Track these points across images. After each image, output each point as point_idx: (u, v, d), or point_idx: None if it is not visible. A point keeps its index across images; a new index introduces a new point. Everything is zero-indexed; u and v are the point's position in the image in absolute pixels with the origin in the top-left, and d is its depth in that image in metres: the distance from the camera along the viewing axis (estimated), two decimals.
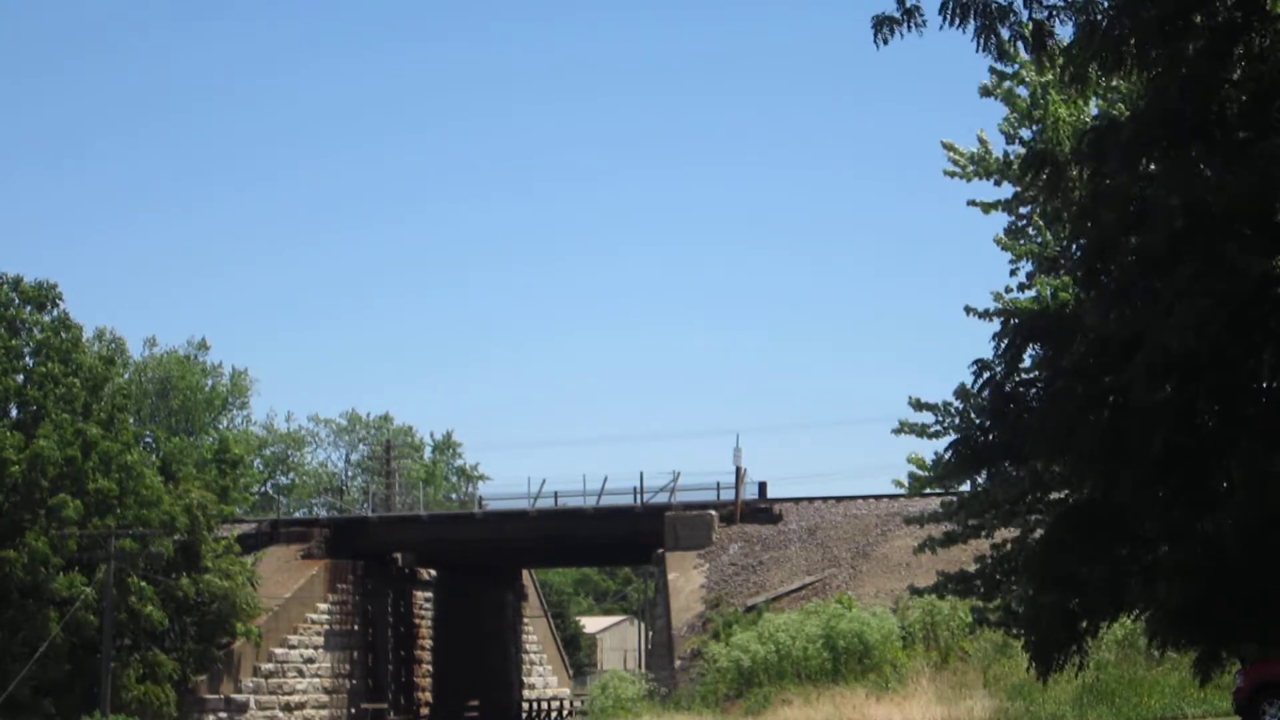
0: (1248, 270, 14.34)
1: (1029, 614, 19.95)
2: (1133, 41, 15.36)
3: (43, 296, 58.65)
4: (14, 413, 56.89)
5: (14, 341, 57.85)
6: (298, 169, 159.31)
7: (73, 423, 55.19)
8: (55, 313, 58.79)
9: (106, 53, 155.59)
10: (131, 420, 61.19)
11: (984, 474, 29.83)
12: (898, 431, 33.59)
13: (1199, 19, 15.46)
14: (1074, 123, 26.93)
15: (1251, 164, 14.39)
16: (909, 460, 34.94)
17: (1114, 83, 24.62)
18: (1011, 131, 30.49)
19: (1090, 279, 16.81)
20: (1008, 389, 17.41)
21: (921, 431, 33.01)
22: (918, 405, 33.02)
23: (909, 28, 16.07)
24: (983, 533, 33.11)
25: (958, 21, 15.95)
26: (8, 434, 54.17)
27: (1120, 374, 15.19)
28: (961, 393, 30.43)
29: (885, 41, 16.08)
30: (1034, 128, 29.35)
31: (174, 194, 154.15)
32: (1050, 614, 17.15)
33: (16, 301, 58.31)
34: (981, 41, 16.04)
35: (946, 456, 19.44)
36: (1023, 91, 30.11)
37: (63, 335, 57.72)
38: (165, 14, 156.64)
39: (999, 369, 17.48)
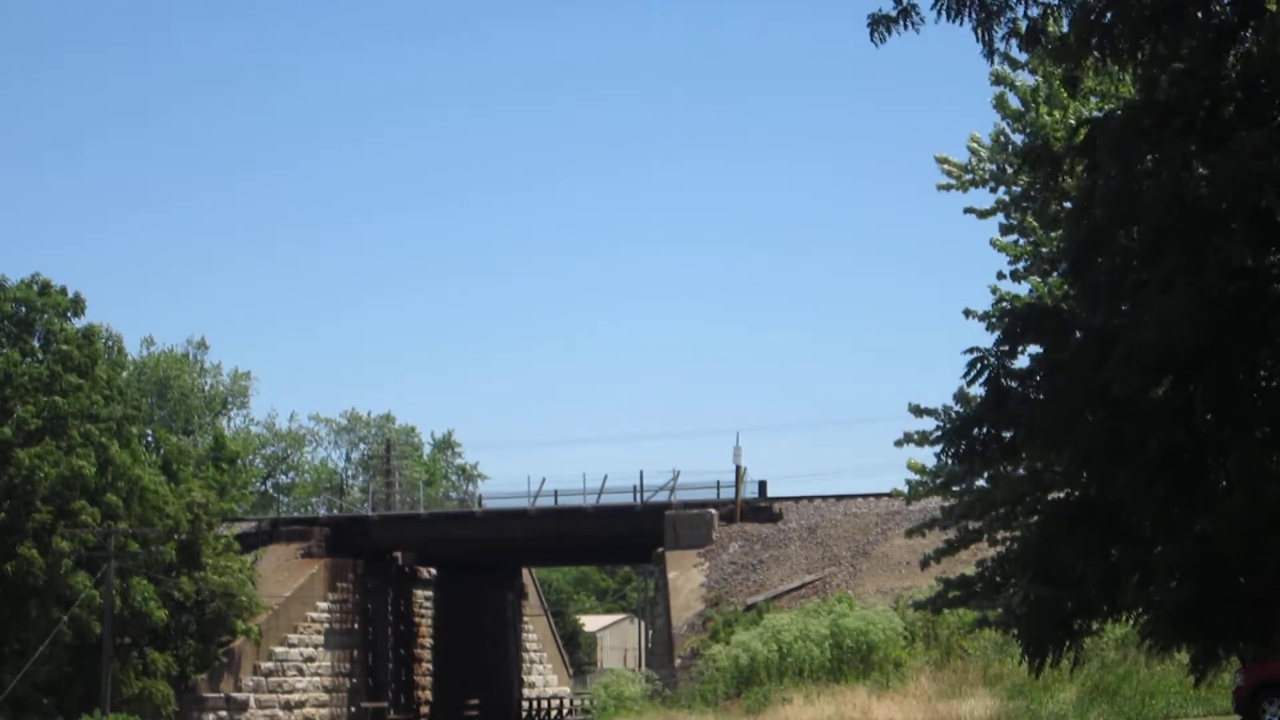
0: (1229, 262, 14.33)
1: (1023, 607, 19.94)
2: (1123, 30, 15.36)
3: (66, 305, 59.05)
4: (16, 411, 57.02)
5: (31, 344, 58.24)
6: (298, 168, 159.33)
7: (97, 436, 55.45)
8: (81, 323, 59.41)
9: (105, 51, 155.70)
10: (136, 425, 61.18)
11: (984, 475, 29.89)
12: (900, 443, 33.40)
13: (1197, 15, 15.47)
14: (1063, 126, 26.98)
15: (1236, 157, 14.39)
16: (909, 467, 34.86)
17: (1115, 77, 24.61)
18: (1004, 138, 30.50)
19: (1078, 273, 16.82)
20: (1004, 381, 17.37)
21: (922, 440, 32.82)
22: (918, 411, 32.83)
23: (905, 26, 16.14)
24: (984, 535, 33.02)
25: (953, 17, 15.99)
26: (51, 448, 54.56)
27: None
28: (961, 396, 30.38)
29: (882, 40, 16.16)
30: (1026, 131, 29.38)
31: (174, 193, 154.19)
32: (1043, 608, 17.15)
33: (39, 305, 58.67)
34: (979, 35, 16.07)
35: (942, 446, 19.37)
36: (1020, 81, 30.04)
37: (86, 353, 57.85)
38: (166, 13, 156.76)
39: (994, 361, 17.44)
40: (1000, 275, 30.85)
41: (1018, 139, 30.04)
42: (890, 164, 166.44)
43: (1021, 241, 30.74)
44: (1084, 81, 18.06)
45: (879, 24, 16.20)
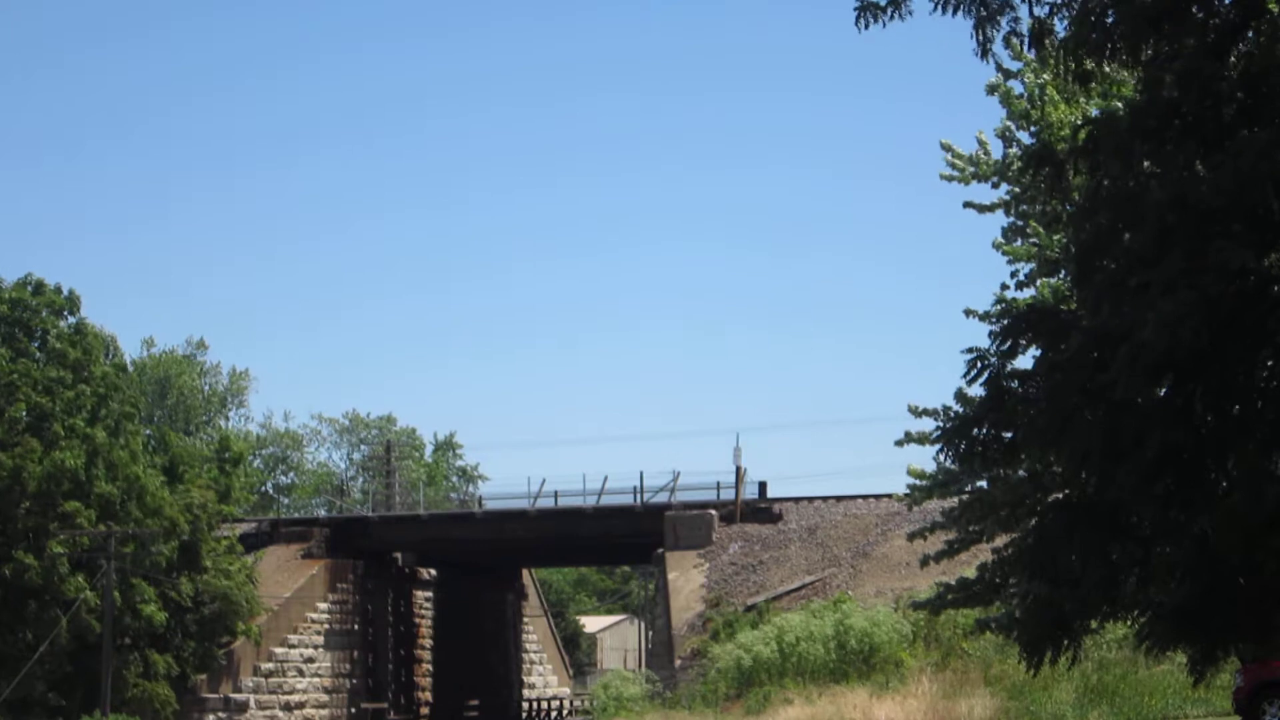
0: (1228, 265, 14.34)
1: (1021, 607, 19.94)
2: (1123, 30, 15.37)
3: (61, 304, 58.98)
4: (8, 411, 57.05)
5: (28, 344, 58.22)
6: (297, 168, 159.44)
7: (82, 428, 55.38)
8: (73, 320, 59.22)
9: (103, 51, 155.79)
10: (134, 422, 61.08)
11: (984, 476, 29.89)
12: (901, 443, 33.39)
13: (1198, 14, 15.48)
14: (1070, 124, 26.93)
15: (1239, 158, 14.40)
16: (909, 472, 34.88)
17: (1119, 76, 24.60)
18: (1009, 134, 30.47)
19: (1083, 276, 16.83)
20: (1004, 381, 17.38)
21: (923, 440, 32.80)
22: (917, 412, 32.83)
23: (893, 16, 16.20)
24: (984, 537, 33.01)
25: (950, 11, 16.02)
26: (30, 441, 54.46)
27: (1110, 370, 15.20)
28: (961, 396, 30.38)
29: (867, 27, 16.24)
30: (1031, 129, 29.36)
31: (174, 193, 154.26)
32: (1041, 607, 17.16)
33: (33, 304, 58.65)
34: (978, 36, 16.08)
35: (941, 446, 19.38)
36: (1019, 87, 30.03)
37: (79, 348, 57.80)
38: (166, 13, 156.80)
39: (994, 361, 17.45)
40: (1005, 286, 30.88)
41: (1023, 136, 30.03)
42: (890, 164, 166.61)
43: (1023, 243, 30.70)
44: (1094, 80, 18.01)
45: (866, 10, 16.26)
